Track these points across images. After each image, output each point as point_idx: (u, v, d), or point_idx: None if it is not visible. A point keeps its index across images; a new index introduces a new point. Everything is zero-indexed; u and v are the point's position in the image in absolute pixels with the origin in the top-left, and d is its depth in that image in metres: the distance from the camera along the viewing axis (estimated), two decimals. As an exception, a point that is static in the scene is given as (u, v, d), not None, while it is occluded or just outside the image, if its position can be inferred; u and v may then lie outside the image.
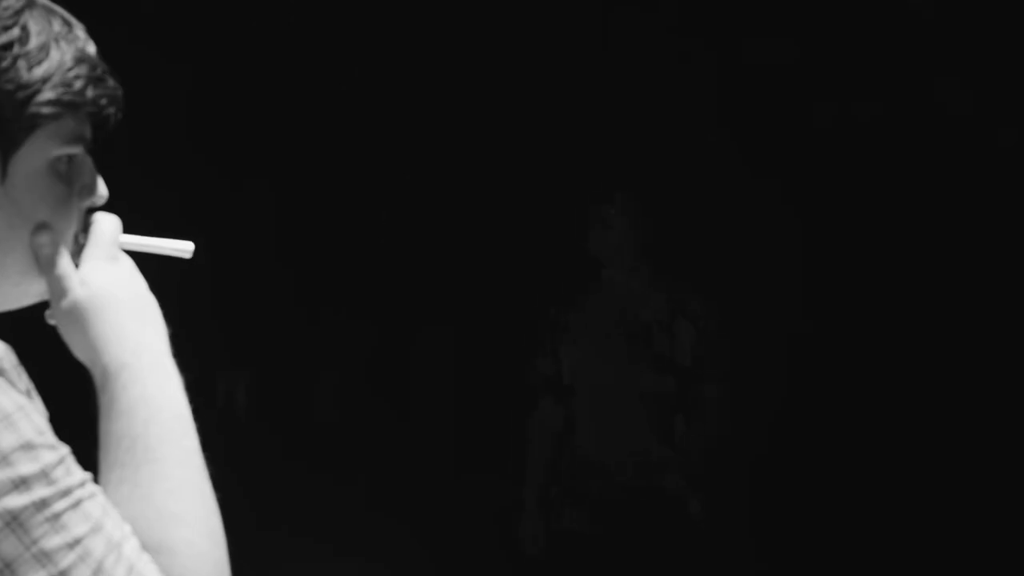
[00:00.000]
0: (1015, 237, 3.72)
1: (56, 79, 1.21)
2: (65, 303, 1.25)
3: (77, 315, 1.24)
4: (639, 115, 3.76)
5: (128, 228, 1.31)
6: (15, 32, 1.19)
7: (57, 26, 1.24)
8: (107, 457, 1.19)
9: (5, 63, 1.18)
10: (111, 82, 1.27)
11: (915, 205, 3.77)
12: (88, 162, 1.28)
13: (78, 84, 1.23)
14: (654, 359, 3.97)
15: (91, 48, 1.26)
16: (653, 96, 3.75)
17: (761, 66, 3.71)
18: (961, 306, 3.80)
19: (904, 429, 3.83)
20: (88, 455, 1.20)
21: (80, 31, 1.26)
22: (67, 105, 1.22)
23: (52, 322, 1.27)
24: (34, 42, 1.20)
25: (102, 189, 1.30)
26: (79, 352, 1.27)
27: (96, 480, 1.16)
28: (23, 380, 1.17)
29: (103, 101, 1.25)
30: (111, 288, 1.26)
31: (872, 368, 3.83)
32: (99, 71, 1.25)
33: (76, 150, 1.25)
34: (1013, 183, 3.70)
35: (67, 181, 1.26)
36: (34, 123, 1.21)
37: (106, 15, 1.34)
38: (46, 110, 1.21)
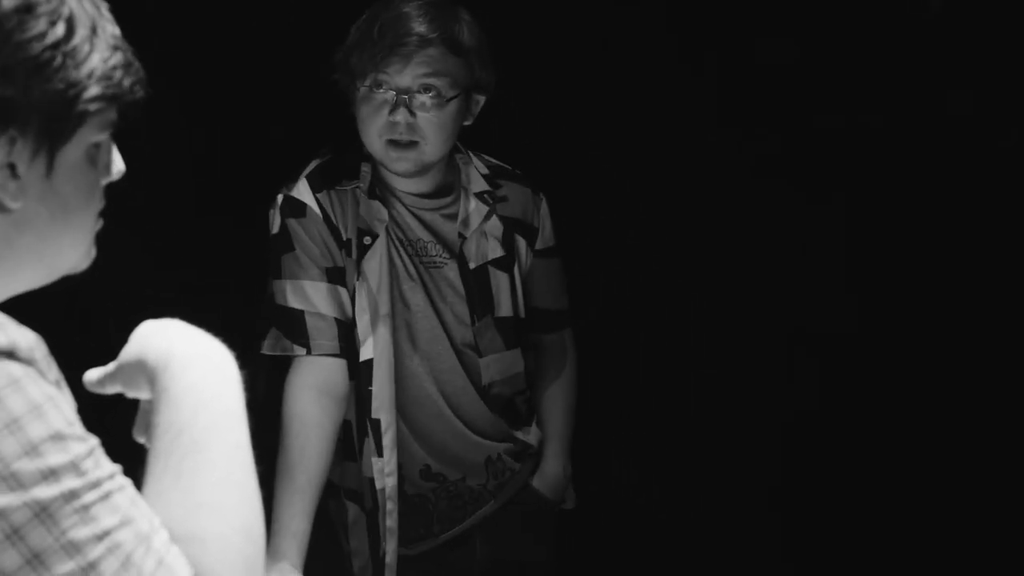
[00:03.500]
0: (1016, 238, 3.73)
1: (99, 72, 1.23)
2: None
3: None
4: (638, 114, 3.76)
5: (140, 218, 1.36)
6: (60, 28, 1.20)
7: (90, 8, 1.25)
8: (155, 446, 1.20)
9: (56, 62, 1.19)
10: (137, 65, 1.29)
11: (919, 204, 3.78)
12: (110, 142, 1.31)
13: (117, 75, 1.25)
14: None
15: (117, 29, 1.28)
16: (653, 95, 3.76)
17: (762, 66, 3.71)
18: (964, 304, 3.81)
19: (904, 432, 3.84)
20: (113, 448, 1.19)
21: (105, 8, 1.28)
22: (111, 98, 1.24)
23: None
24: (78, 36, 1.21)
25: (120, 164, 1.32)
26: (132, 348, 1.29)
27: (126, 472, 1.16)
28: (53, 370, 1.17)
29: (136, 88, 1.28)
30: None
31: (874, 369, 3.83)
32: (128, 56, 1.27)
33: (106, 135, 1.27)
34: (1014, 183, 3.71)
35: (97, 165, 1.28)
36: (83, 119, 1.22)
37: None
38: (93, 106, 1.23)
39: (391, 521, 2.77)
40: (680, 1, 3.70)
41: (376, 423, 2.73)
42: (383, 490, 2.76)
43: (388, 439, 2.74)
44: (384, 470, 2.75)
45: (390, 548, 2.77)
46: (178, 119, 3.30)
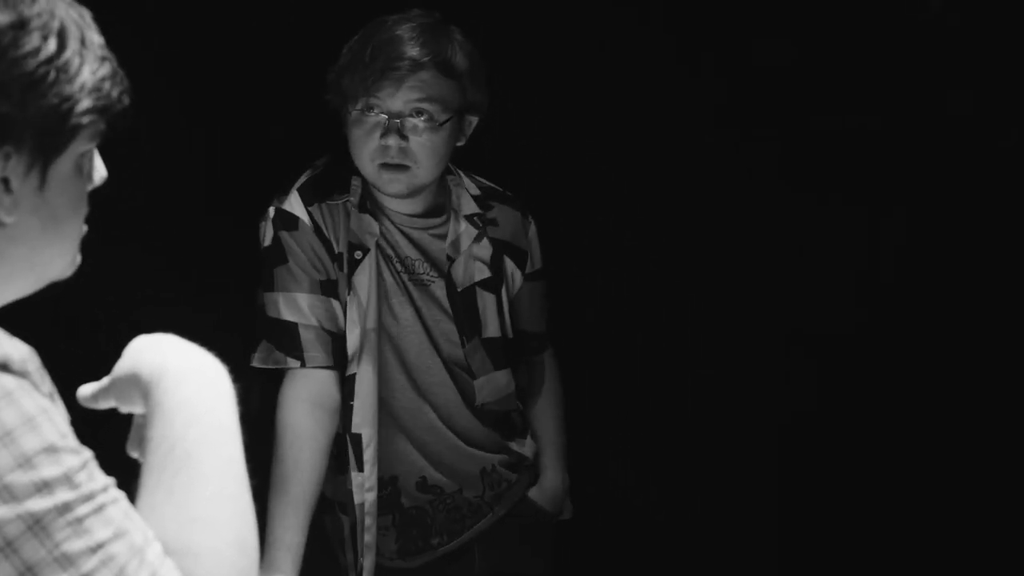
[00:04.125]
0: (1016, 238, 3.73)
1: (89, 85, 1.23)
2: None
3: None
4: (636, 115, 3.76)
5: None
6: (52, 43, 1.20)
7: (76, 17, 1.25)
8: (148, 461, 1.20)
9: (50, 77, 1.20)
10: (121, 74, 1.29)
11: (918, 205, 3.77)
12: (93, 149, 1.31)
13: (106, 86, 1.25)
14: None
15: (100, 38, 1.28)
16: (650, 97, 3.75)
17: (759, 67, 3.71)
18: (964, 305, 3.80)
19: (902, 433, 3.83)
20: (107, 462, 1.19)
21: (88, 16, 1.28)
22: (102, 110, 1.25)
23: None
24: (69, 50, 1.22)
25: (102, 170, 1.33)
26: (125, 363, 1.29)
27: (120, 485, 1.16)
28: (46, 383, 1.17)
29: (124, 97, 1.28)
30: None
31: (872, 370, 3.83)
32: (114, 65, 1.28)
33: (94, 145, 1.28)
34: (1014, 183, 3.71)
35: (84, 174, 1.28)
36: (76, 132, 1.23)
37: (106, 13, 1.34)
38: (86, 119, 1.23)
39: (369, 536, 2.75)
40: (678, 2, 3.69)
41: (357, 438, 2.72)
42: (362, 505, 2.74)
43: (369, 454, 2.72)
44: (364, 485, 2.73)
45: (367, 564, 2.76)
46: (178, 119, 3.29)
